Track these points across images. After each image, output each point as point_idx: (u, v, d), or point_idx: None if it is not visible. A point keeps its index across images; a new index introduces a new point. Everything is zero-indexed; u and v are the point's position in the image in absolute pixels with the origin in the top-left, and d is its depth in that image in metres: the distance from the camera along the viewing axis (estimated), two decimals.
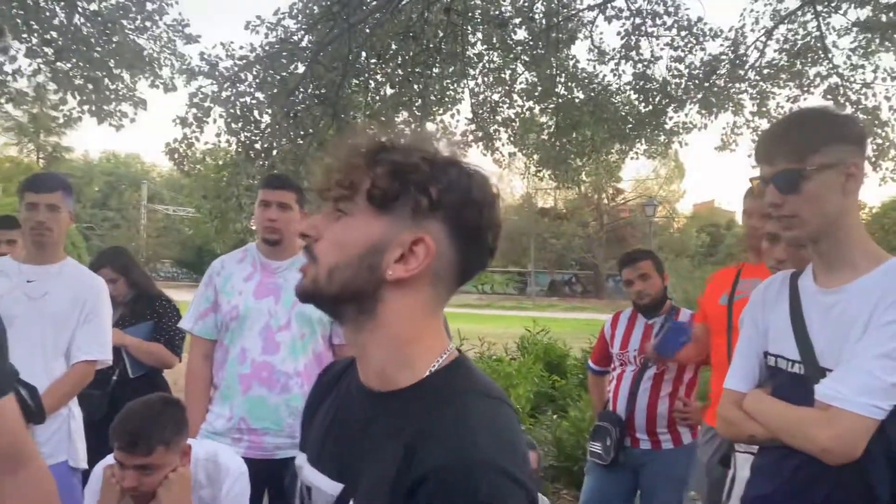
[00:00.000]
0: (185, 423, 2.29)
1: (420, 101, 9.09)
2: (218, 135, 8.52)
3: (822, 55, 8.71)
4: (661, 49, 9.12)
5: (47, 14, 7.13)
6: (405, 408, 0.95)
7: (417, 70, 8.54)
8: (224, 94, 8.15)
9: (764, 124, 9.45)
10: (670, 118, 9.57)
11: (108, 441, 2.61)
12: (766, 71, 8.97)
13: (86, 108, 7.76)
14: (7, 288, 2.81)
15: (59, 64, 7.45)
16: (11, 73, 7.62)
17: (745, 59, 8.93)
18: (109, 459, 2.40)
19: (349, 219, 0.97)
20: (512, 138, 10.26)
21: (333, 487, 1.00)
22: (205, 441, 2.48)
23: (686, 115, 9.55)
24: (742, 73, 8.97)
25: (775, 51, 8.93)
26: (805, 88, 9.03)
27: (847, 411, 1.45)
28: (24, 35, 7.26)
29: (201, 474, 2.37)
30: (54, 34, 7.19)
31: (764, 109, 9.34)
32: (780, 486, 1.61)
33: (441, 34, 8.49)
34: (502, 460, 0.87)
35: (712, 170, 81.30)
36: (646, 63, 9.10)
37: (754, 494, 1.72)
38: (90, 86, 7.59)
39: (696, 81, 9.00)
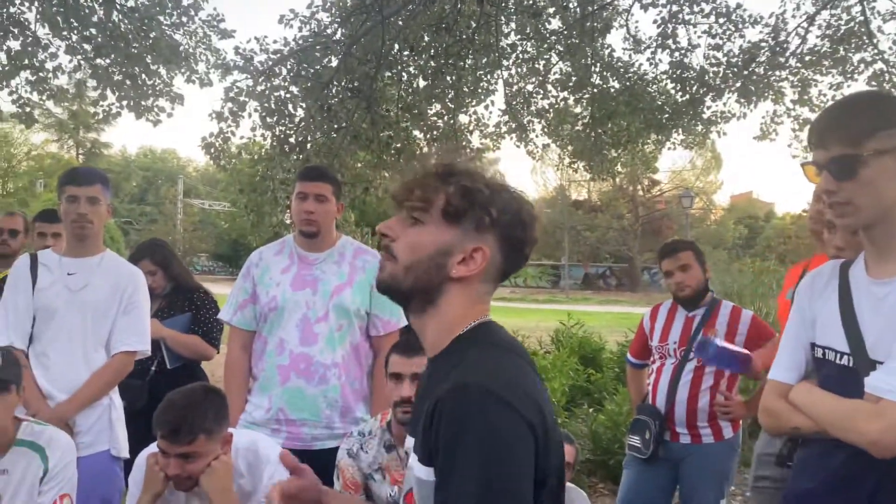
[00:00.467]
0: (227, 412, 2.32)
1: (453, 92, 9.05)
2: (253, 129, 8.61)
3: (867, 41, 8.45)
4: (699, 37, 8.99)
5: (86, 11, 7.23)
6: (438, 366, 1.21)
7: (450, 61, 8.49)
8: (259, 88, 8.21)
9: (805, 113, 9.24)
10: (708, 107, 9.39)
11: (148, 430, 2.64)
12: (807, 58, 8.73)
13: (124, 103, 7.88)
14: (49, 281, 2.85)
15: (98, 60, 7.57)
16: (52, 70, 7.77)
17: (785, 45, 8.71)
18: (152, 448, 2.43)
19: (424, 227, 1.21)
20: (546, 129, 10.17)
21: (411, 442, 1.25)
22: (244, 430, 2.49)
23: (724, 104, 9.35)
24: (783, 60, 8.75)
25: (817, 37, 8.69)
26: (849, 75, 8.78)
27: None
28: (65, 32, 7.39)
29: (241, 463, 2.38)
30: (93, 31, 7.30)
31: (805, 98, 9.11)
32: (824, 481, 1.57)
33: (474, 25, 8.43)
34: (493, 385, 1.07)
35: (750, 160, 79.87)
36: (683, 51, 8.93)
37: (798, 489, 1.67)
38: (128, 82, 7.70)
39: (735, 69, 8.80)
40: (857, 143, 1.48)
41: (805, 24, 8.64)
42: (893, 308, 1.50)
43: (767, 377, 1.76)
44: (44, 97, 8.03)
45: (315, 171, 3.17)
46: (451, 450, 1.06)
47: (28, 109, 7.96)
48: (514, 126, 9.93)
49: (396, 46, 8.47)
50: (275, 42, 8.38)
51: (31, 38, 7.40)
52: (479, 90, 9.55)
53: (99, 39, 7.27)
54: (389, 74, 8.78)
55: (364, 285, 2.96)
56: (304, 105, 8.36)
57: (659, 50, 9.04)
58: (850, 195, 1.50)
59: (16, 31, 7.34)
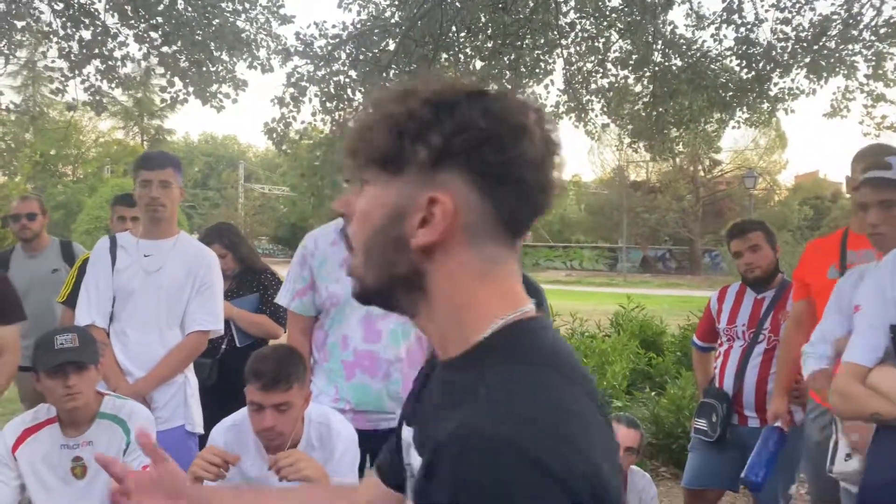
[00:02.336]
0: (308, 369, 2.45)
1: (511, 73, 8.97)
2: (314, 114, 8.72)
3: None
4: (766, 11, 8.63)
5: (153, 0, 7.42)
6: (451, 378, 0.85)
7: (508, 41, 8.42)
8: (319, 73, 8.30)
9: (879, 88, 8.84)
10: (775, 84, 9.07)
11: (220, 407, 2.73)
12: (882, 30, 8.33)
13: (191, 90, 8.07)
14: (126, 263, 2.96)
15: (164, 48, 7.76)
16: (121, 58, 8.00)
17: (859, 18, 8.33)
18: (231, 420, 2.51)
19: (368, 188, 0.86)
20: (605, 109, 10.00)
21: (408, 433, 0.97)
22: (314, 404, 2.54)
23: (792, 80, 9.02)
24: (855, 33, 8.37)
25: (894, 7, 8.35)
26: None
27: None
28: (132, 21, 7.60)
29: (314, 435, 2.44)
30: (159, 19, 7.48)
31: (880, 72, 8.70)
32: None
33: (532, 4, 8.33)
34: (518, 434, 0.70)
35: (816, 138, 77.01)
36: (749, 26, 8.63)
37: (879, 479, 1.62)
38: (193, 69, 7.87)
39: (805, 44, 8.47)
40: None
41: None
42: None
43: (842, 359, 1.71)
44: (112, 85, 8.29)
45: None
46: None
47: (98, 97, 8.23)
48: (573, 105, 9.79)
49: (454, 28, 8.44)
50: (333, 26, 8.46)
51: (100, 28, 7.64)
52: (538, 70, 9.43)
53: (165, 27, 7.46)
54: (447, 56, 8.76)
55: None
56: (362, 89, 8.42)
57: (724, 26, 8.76)
58: None
59: (86, 21, 7.58)
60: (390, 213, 0.84)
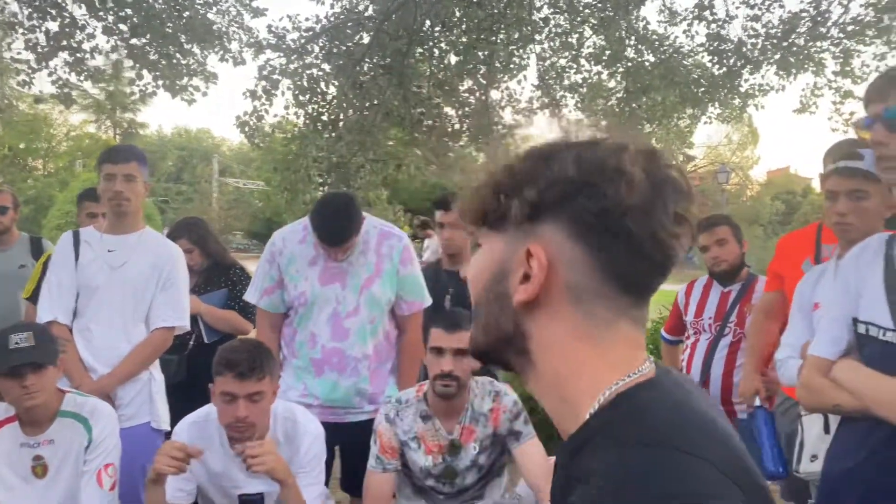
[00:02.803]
0: (277, 363, 2.46)
1: (485, 68, 8.98)
2: (286, 107, 8.68)
3: None
4: (737, 8, 8.73)
5: None
6: (567, 463, 0.78)
7: (482, 37, 8.42)
8: (291, 66, 8.23)
9: (847, 84, 8.98)
10: (745, 80, 9.18)
11: (187, 403, 2.71)
12: (850, 28, 8.46)
13: (160, 83, 7.96)
14: (90, 258, 2.92)
15: (134, 40, 7.65)
16: (89, 50, 7.87)
17: (827, 15, 8.45)
18: (192, 417, 2.49)
19: (479, 249, 0.85)
20: (579, 104, 10.05)
21: None
22: (280, 400, 2.53)
23: (762, 76, 9.14)
24: (824, 30, 8.50)
25: (861, 5, 8.42)
26: (893, 45, 8.49)
27: None
28: (101, 13, 7.48)
29: (279, 431, 2.43)
30: (129, 11, 7.37)
31: (848, 69, 8.84)
32: (865, 460, 1.55)
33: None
34: None
35: (788, 134, 78.04)
36: (720, 23, 8.73)
37: (837, 468, 1.65)
38: (163, 61, 7.77)
39: (774, 41, 8.58)
40: None
41: None
42: None
43: (807, 352, 1.73)
44: (81, 78, 8.15)
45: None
46: None
47: (66, 90, 8.09)
48: (546, 101, 9.82)
49: (428, 22, 8.42)
50: (307, 20, 8.41)
51: (68, 20, 7.51)
52: (512, 65, 9.46)
53: (135, 20, 7.35)
54: (421, 51, 8.74)
55: (391, 273, 2.94)
56: (336, 83, 8.37)
57: (695, 22, 8.86)
58: None
59: (54, 12, 7.45)
60: (496, 270, 0.81)
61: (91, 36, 7.72)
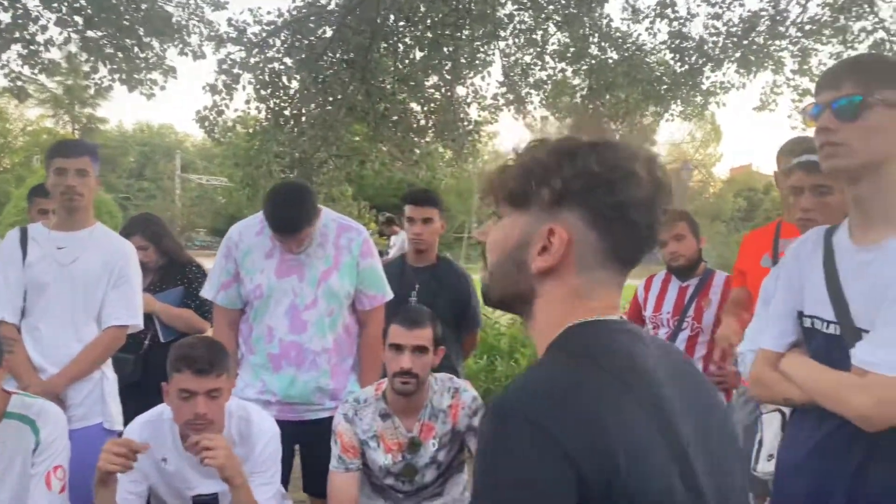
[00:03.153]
0: (234, 360, 2.45)
1: (450, 64, 8.96)
2: (247, 102, 8.55)
3: (868, 9, 8.35)
4: (698, 6, 8.85)
5: None
6: None
7: (447, 32, 8.39)
8: (252, 60, 8.13)
9: (805, 83, 9.15)
10: (707, 78, 9.31)
11: (142, 403, 2.65)
12: (808, 27, 8.63)
13: (117, 76, 7.79)
14: (38, 255, 2.84)
15: (89, 33, 7.47)
16: (43, 43, 7.66)
17: (786, 14, 8.61)
18: (146, 416, 2.44)
19: (501, 221, 1.05)
20: (544, 101, 10.09)
21: None
22: (235, 399, 2.48)
23: (723, 74, 9.27)
24: (783, 29, 8.65)
25: (818, 5, 8.59)
26: (849, 44, 8.68)
27: (886, 376, 1.39)
28: (55, 4, 7.28)
29: (234, 430, 2.39)
30: (83, 2, 7.19)
31: (805, 67, 9.02)
32: (813, 450, 1.57)
33: None
34: (517, 402, 0.88)
35: (750, 132, 79.40)
36: (682, 21, 8.83)
37: (788, 460, 1.67)
38: (120, 54, 7.60)
39: (735, 39, 8.71)
40: (868, 88, 1.46)
41: None
42: (878, 275, 1.48)
43: (757, 346, 1.74)
44: (35, 71, 7.94)
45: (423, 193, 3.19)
46: (476, 469, 0.92)
47: (20, 84, 7.87)
48: (511, 98, 9.83)
49: (392, 17, 8.37)
50: (268, 13, 8.31)
51: (21, 11, 7.30)
52: (477, 61, 9.44)
53: (89, 11, 7.17)
54: (385, 45, 8.69)
55: (350, 266, 2.90)
56: (298, 77, 8.28)
57: (657, 19, 8.94)
58: (848, 136, 1.48)
59: (6, 3, 7.23)
60: (518, 241, 1.01)
61: (44, 28, 7.51)
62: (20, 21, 7.29)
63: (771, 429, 1.92)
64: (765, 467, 1.97)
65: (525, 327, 1.07)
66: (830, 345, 1.55)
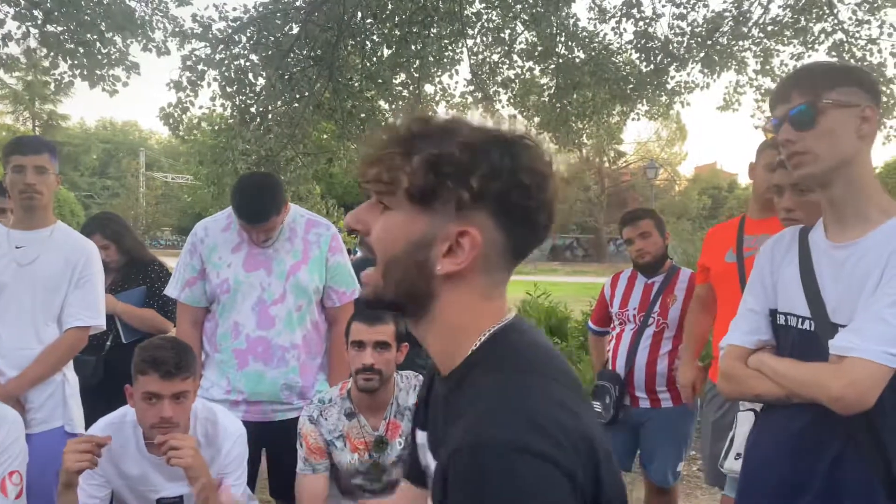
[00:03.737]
0: (198, 360, 2.43)
1: (418, 62, 8.93)
2: (213, 99, 8.42)
3: (828, 11, 8.51)
4: (663, 6, 8.92)
5: None
6: (450, 392, 0.96)
7: (415, 30, 8.36)
8: (218, 56, 8.02)
9: (767, 83, 9.30)
10: (672, 77, 9.39)
11: (104, 405, 2.60)
12: (770, 28, 8.77)
13: (77, 72, 7.62)
14: None
15: (48, 27, 7.29)
16: (1, 37, 7.47)
17: (748, 15, 8.73)
18: (108, 418, 2.39)
19: (393, 214, 0.94)
20: (512, 100, 10.11)
21: (422, 437, 1.11)
22: (201, 400, 2.45)
23: (688, 74, 9.36)
24: (745, 30, 8.77)
25: (780, 7, 8.74)
26: (810, 45, 8.83)
27: (861, 359, 1.41)
28: None
29: (200, 433, 2.36)
30: None
31: (767, 67, 9.17)
32: (784, 446, 1.58)
33: None
34: (512, 434, 0.80)
35: (714, 131, 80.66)
36: (647, 21, 8.89)
37: (758, 455, 1.68)
38: (81, 49, 7.43)
39: (699, 39, 8.81)
40: (817, 94, 1.51)
41: None
42: (854, 271, 1.51)
43: (725, 342, 1.76)
44: None
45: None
46: None
47: None
48: (479, 96, 9.84)
49: (359, 14, 8.31)
50: (234, 9, 8.27)
51: None
52: (444, 60, 9.42)
53: (49, 5, 7.00)
54: (352, 43, 8.62)
55: (319, 261, 2.89)
56: (264, 74, 8.18)
57: (624, 19, 9.00)
58: (810, 144, 1.52)
59: None
60: (417, 240, 0.92)
61: (2, 22, 7.32)
62: None
63: (743, 427, 1.93)
64: (732, 465, 1.99)
65: (412, 326, 1.00)
66: (804, 340, 1.57)
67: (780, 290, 1.65)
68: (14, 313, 2.75)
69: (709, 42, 8.77)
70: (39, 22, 7.16)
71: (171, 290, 2.95)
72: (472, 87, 9.86)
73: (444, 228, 0.91)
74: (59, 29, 7.28)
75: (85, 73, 7.53)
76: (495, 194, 0.90)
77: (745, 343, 1.68)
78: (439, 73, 9.63)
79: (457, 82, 10.06)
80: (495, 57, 9.79)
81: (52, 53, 7.43)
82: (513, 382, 0.88)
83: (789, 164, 1.58)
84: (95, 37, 7.37)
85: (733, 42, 8.95)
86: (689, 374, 3.19)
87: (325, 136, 9.72)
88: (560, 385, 0.91)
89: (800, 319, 1.59)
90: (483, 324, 0.96)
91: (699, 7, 8.80)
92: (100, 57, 7.56)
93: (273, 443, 2.85)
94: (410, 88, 9.46)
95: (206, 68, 7.96)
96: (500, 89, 10.00)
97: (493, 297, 0.97)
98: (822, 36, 8.73)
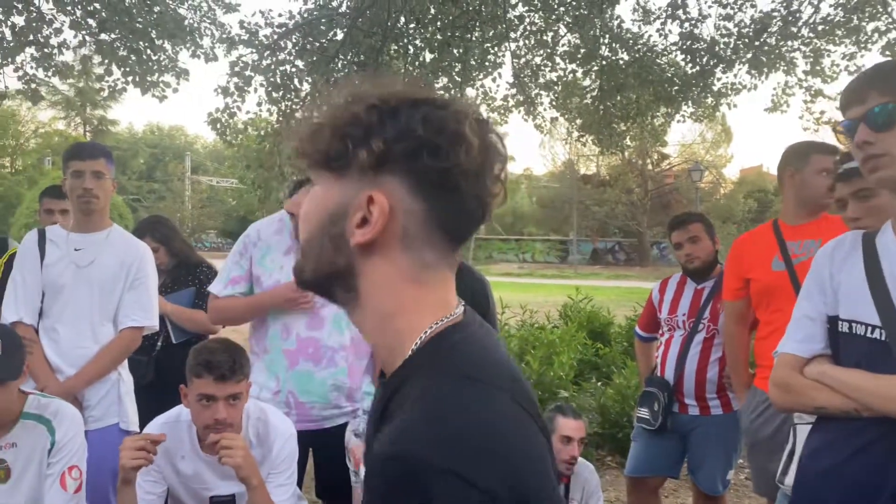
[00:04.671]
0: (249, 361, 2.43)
1: (460, 65, 8.95)
2: (259, 104, 8.56)
3: (881, 9, 8.28)
4: (710, 7, 8.80)
5: None
6: (385, 394, 0.88)
7: (457, 34, 8.39)
8: (264, 62, 8.14)
9: (818, 84, 9.10)
10: (718, 79, 9.24)
11: (156, 404, 2.66)
12: (820, 27, 8.57)
13: (130, 79, 7.83)
14: (56, 257, 2.86)
15: (102, 36, 7.51)
16: (57, 46, 7.71)
17: (798, 15, 8.55)
18: (162, 418, 2.45)
19: (315, 189, 0.91)
20: (554, 102, 10.06)
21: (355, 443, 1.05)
22: (253, 400, 2.49)
23: (735, 75, 9.20)
24: (795, 30, 8.59)
25: (831, 6, 8.53)
26: (862, 45, 8.61)
27: None
28: (69, 7, 7.33)
29: (251, 433, 2.39)
30: (97, 5, 7.23)
31: (818, 68, 8.96)
32: (850, 459, 1.50)
33: None
34: (427, 451, 0.73)
35: (761, 133, 79.08)
36: (693, 22, 8.78)
37: (818, 467, 1.59)
38: (133, 57, 7.64)
39: (746, 40, 8.65)
40: (895, 94, 1.45)
41: None
42: None
43: (778, 350, 1.69)
44: (49, 73, 7.99)
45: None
46: None
47: (34, 86, 7.93)
48: (521, 99, 9.81)
49: (402, 19, 8.37)
50: (280, 15, 8.31)
51: (35, 14, 7.35)
52: (487, 63, 9.42)
53: (103, 14, 7.20)
54: (396, 47, 8.69)
55: None
56: (309, 79, 8.29)
57: (669, 21, 8.90)
58: (888, 146, 1.46)
59: (20, 6, 7.28)
60: (333, 211, 0.87)
61: (58, 31, 7.56)
62: (34, 24, 7.34)
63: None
64: (792, 481, 1.90)
65: (348, 313, 0.93)
66: (874, 350, 1.49)
67: (843, 295, 1.58)
68: (72, 313, 2.83)
69: (756, 43, 8.60)
70: (94, 30, 7.37)
71: (214, 288, 2.99)
72: (514, 90, 9.84)
73: (355, 196, 0.85)
74: (112, 37, 7.49)
75: (137, 79, 7.73)
76: (402, 155, 0.83)
77: (800, 352, 1.61)
78: (481, 77, 9.63)
79: (498, 85, 10.14)
80: (538, 59, 9.76)
81: (105, 61, 7.64)
82: (448, 392, 0.80)
83: (865, 167, 1.51)
84: (146, 44, 7.57)
85: (782, 42, 8.77)
86: (742, 385, 3.04)
87: None
88: (505, 396, 0.83)
89: (868, 328, 1.51)
90: (424, 319, 0.87)
91: (746, 7, 8.65)
92: (150, 64, 7.75)
93: (321, 447, 2.88)
94: (452, 92, 9.49)
95: (252, 74, 8.10)
96: (543, 92, 9.97)
97: (429, 284, 0.87)
98: (876, 35, 8.51)
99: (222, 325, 3.73)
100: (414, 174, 0.84)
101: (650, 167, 41.50)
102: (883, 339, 1.48)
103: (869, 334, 1.51)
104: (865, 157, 1.50)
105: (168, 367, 3.28)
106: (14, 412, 2.35)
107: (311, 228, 0.90)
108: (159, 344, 3.52)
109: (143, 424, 2.74)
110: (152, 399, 3.00)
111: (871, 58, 9.18)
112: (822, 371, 1.56)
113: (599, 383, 6.01)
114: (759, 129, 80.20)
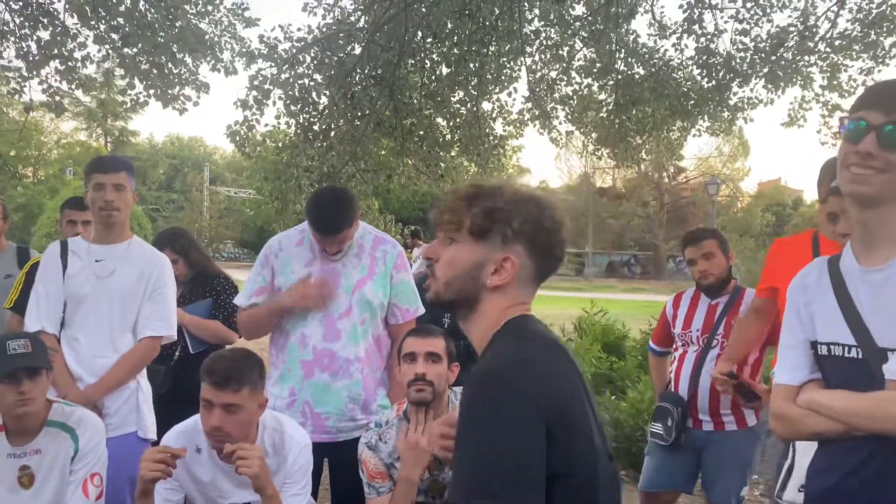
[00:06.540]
0: (265, 375, 2.43)
1: (476, 79, 9.01)
2: (277, 117, 8.67)
3: None
4: (726, 22, 8.80)
5: (114, 1, 7.31)
6: (484, 351, 1.39)
7: (474, 49, 8.44)
8: (283, 76, 8.24)
9: (835, 98, 9.06)
10: (734, 93, 9.23)
11: (173, 414, 2.70)
12: (837, 42, 8.54)
13: (151, 92, 7.95)
14: (78, 268, 2.92)
15: (125, 50, 7.64)
16: (81, 59, 7.86)
17: (815, 30, 8.54)
18: (179, 427, 2.49)
19: (457, 245, 1.41)
20: (570, 116, 10.09)
21: None
22: (269, 411, 2.52)
23: (751, 90, 9.19)
24: (812, 45, 8.58)
25: (848, 20, 8.51)
26: (880, 60, 8.57)
27: None
28: (93, 22, 7.47)
29: (267, 443, 2.43)
30: (121, 20, 7.37)
31: (835, 83, 8.92)
32: (849, 476, 1.52)
33: (497, 11, 8.36)
34: (502, 371, 1.27)
35: (779, 146, 78.53)
36: (709, 37, 8.79)
37: (822, 486, 1.60)
38: (155, 70, 7.76)
39: (763, 55, 8.65)
40: None
41: (835, 8, 8.46)
42: (892, 294, 1.47)
43: (773, 381, 1.72)
44: (73, 86, 8.13)
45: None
46: (459, 430, 1.25)
47: (57, 98, 8.07)
48: (537, 113, 9.84)
49: (419, 33, 8.44)
50: (299, 30, 8.43)
51: (59, 28, 7.49)
52: (503, 77, 9.48)
53: (126, 29, 7.34)
54: (412, 62, 8.76)
55: (384, 277, 2.97)
56: (327, 93, 8.38)
57: (685, 35, 8.91)
58: (888, 165, 1.44)
59: (45, 20, 7.43)
60: (475, 262, 1.38)
61: (83, 45, 7.70)
62: (59, 38, 7.49)
63: (806, 459, 1.86)
64: (794, 497, 1.92)
65: (461, 319, 1.45)
66: (853, 369, 1.52)
67: (818, 320, 1.60)
68: (93, 323, 2.89)
69: (773, 57, 8.59)
70: (117, 44, 7.51)
71: (239, 300, 3.07)
72: (529, 104, 9.88)
73: (493, 255, 1.37)
74: (135, 51, 7.62)
75: (158, 93, 7.85)
76: (528, 233, 1.38)
77: (791, 381, 1.64)
78: (497, 91, 9.68)
79: (514, 99, 10.18)
80: (553, 74, 9.79)
81: (128, 75, 7.77)
82: (513, 342, 1.34)
83: (847, 173, 1.49)
84: (168, 58, 7.69)
85: (799, 57, 8.76)
86: (723, 366, 3.07)
87: (383, 153, 9.87)
88: (549, 351, 1.36)
89: (845, 348, 1.53)
90: (509, 315, 1.39)
91: (763, 22, 8.66)
92: (172, 77, 7.87)
93: (336, 458, 2.90)
94: (468, 105, 9.54)
95: (271, 87, 8.20)
96: (558, 106, 10.00)
97: (522, 302, 1.42)
98: (894, 50, 8.48)
99: (251, 338, 3.77)
100: (532, 245, 1.39)
101: (666, 180, 41.33)
102: (860, 357, 1.51)
103: (847, 354, 1.54)
104: (859, 166, 1.47)
105: (185, 376, 3.32)
106: (40, 418, 2.40)
107: (456, 270, 1.40)
108: (177, 354, 3.57)
109: (160, 433, 2.79)
110: (170, 408, 3.05)
111: (889, 73, 9.15)
112: (810, 398, 1.59)
113: (613, 397, 5.99)
114: (778, 142, 79.71)
